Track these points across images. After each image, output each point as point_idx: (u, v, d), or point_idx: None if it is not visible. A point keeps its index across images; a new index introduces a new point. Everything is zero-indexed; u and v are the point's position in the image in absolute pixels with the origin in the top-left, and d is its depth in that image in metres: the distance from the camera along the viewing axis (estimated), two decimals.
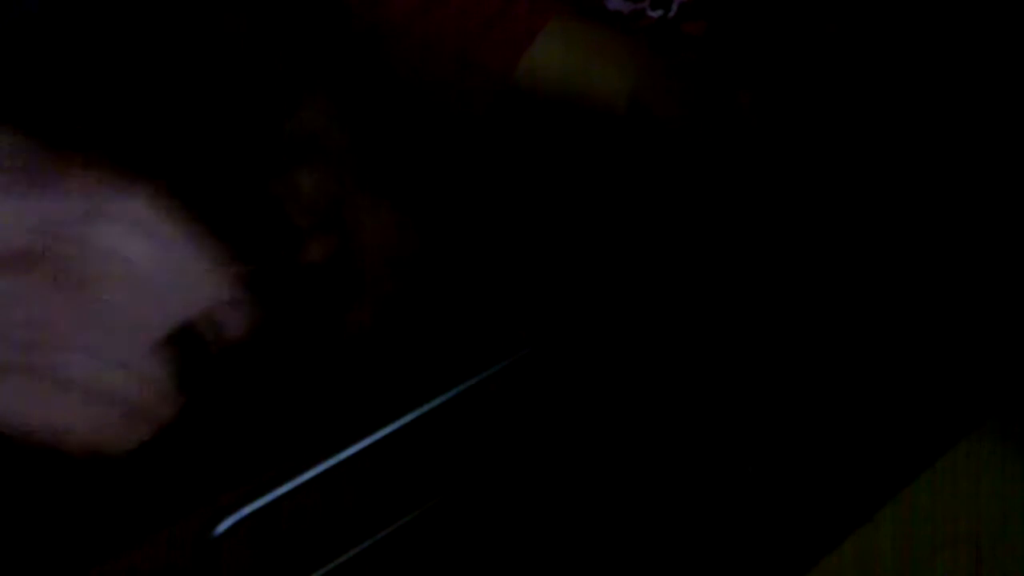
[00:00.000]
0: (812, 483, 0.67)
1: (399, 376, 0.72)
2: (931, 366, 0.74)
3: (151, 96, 0.81)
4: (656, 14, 0.92)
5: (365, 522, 0.66)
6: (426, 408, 0.64)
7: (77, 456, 0.62)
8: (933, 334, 0.75)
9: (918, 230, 0.80)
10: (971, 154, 0.83)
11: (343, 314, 0.74)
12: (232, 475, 0.66)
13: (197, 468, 0.70)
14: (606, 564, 0.66)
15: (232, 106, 0.81)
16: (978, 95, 0.86)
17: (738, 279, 0.77)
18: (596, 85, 0.84)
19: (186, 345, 0.63)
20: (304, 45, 0.85)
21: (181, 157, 0.78)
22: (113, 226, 0.62)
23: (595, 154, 0.85)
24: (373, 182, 0.79)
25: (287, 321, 0.70)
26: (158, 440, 0.72)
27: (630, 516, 0.67)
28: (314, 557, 0.64)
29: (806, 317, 0.75)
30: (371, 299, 0.75)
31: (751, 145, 0.84)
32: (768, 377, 0.73)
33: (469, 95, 0.85)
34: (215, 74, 0.82)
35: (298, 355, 0.74)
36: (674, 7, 0.92)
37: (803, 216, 0.80)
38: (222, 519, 0.60)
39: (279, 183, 0.74)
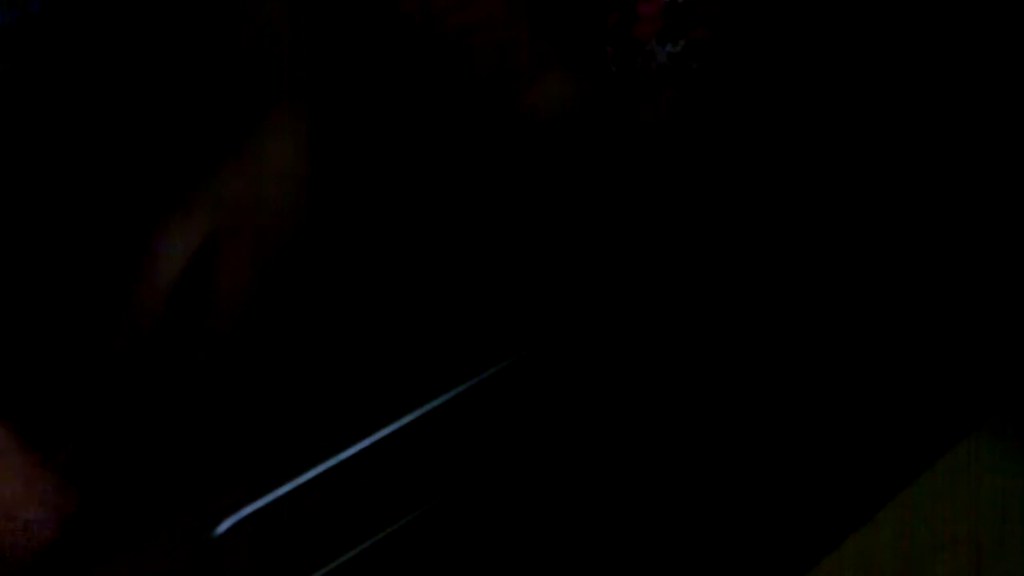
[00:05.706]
0: (812, 483, 0.67)
1: (399, 376, 0.72)
2: (931, 366, 0.74)
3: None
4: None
5: (365, 522, 0.66)
6: (426, 408, 0.64)
7: None
8: (933, 334, 0.75)
9: (918, 230, 0.80)
10: (971, 154, 0.83)
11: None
12: (232, 475, 0.66)
13: (197, 468, 0.70)
14: (606, 564, 0.66)
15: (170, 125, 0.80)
16: (978, 95, 0.86)
17: (740, 279, 0.77)
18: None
19: None
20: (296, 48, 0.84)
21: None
22: None
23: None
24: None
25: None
26: (158, 440, 0.72)
27: (630, 516, 0.67)
28: (314, 557, 0.64)
29: (806, 317, 0.75)
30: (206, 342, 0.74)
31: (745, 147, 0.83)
32: (768, 377, 0.73)
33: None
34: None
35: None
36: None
37: (804, 216, 0.80)
38: (222, 519, 0.60)
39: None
